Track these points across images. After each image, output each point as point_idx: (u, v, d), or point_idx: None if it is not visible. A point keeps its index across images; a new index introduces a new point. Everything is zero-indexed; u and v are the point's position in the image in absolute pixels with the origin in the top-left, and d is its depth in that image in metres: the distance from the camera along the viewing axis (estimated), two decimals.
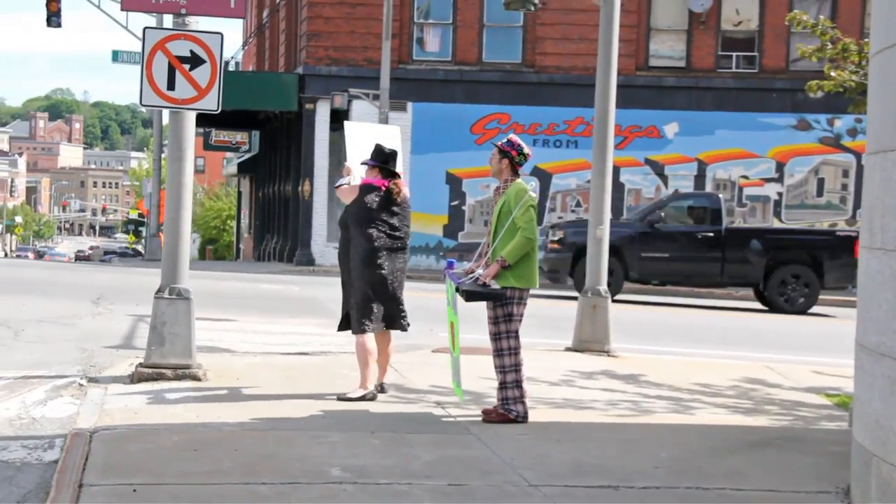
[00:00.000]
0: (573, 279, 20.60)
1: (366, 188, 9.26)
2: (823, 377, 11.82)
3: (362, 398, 9.00)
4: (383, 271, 9.13)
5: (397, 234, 9.23)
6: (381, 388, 9.39)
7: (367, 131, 10.46)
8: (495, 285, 8.32)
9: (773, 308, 21.69)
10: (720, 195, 23.39)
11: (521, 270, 8.29)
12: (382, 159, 9.29)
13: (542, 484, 6.56)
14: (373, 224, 9.14)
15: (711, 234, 21.78)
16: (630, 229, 21.96)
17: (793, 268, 21.52)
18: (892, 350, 5.75)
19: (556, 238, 21.97)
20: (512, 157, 8.43)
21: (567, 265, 21.01)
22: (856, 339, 6.39)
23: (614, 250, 18.88)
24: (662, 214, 22.14)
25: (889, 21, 6.08)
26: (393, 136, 10.47)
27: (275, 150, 38.44)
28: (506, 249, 8.21)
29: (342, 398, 9.03)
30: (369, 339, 9.14)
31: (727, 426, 8.74)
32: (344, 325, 9.67)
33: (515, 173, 8.47)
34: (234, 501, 5.98)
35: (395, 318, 9.32)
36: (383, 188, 9.22)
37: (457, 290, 8.51)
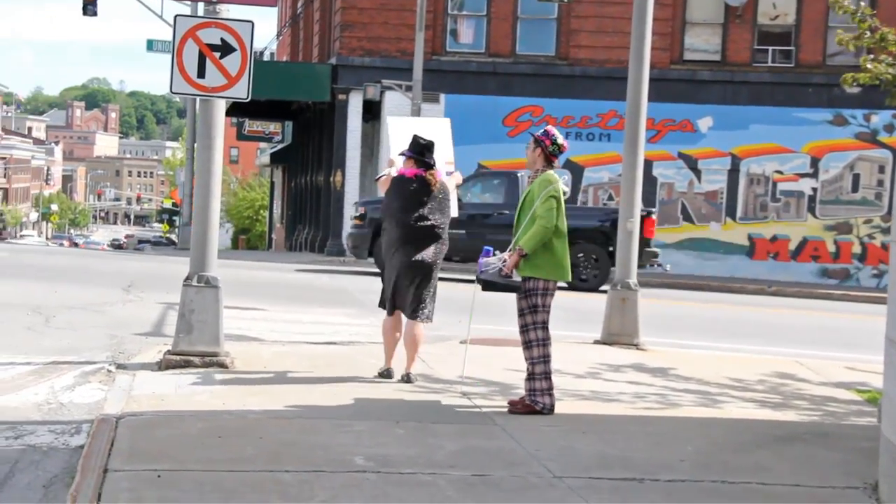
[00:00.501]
0: (372, 255, 20.87)
1: (396, 179, 9.44)
2: (856, 373, 11.71)
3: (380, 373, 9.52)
4: (405, 259, 9.29)
5: (426, 223, 9.30)
6: (407, 378, 9.42)
7: (411, 125, 10.44)
8: (517, 276, 8.31)
9: (569, 285, 21.80)
10: (520, 173, 23.43)
11: (542, 261, 8.26)
12: (418, 150, 9.40)
13: (567, 476, 6.53)
14: (399, 214, 9.31)
15: (508, 213, 21.75)
16: None
17: (584, 246, 21.58)
18: None
19: (357, 215, 22.73)
20: (545, 147, 8.39)
21: (367, 241, 21.30)
22: (885, 334, 6.32)
23: None
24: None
25: None
26: (442, 128, 10.57)
27: (307, 140, 38.52)
28: (524, 239, 8.21)
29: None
30: (386, 323, 9.58)
31: (755, 420, 8.67)
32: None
33: (549, 164, 8.43)
34: (257, 489, 5.99)
35: (406, 306, 9.39)
36: (414, 178, 9.32)
37: (476, 279, 8.57)
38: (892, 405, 6.12)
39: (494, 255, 8.52)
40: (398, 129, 10.35)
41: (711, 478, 6.67)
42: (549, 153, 8.41)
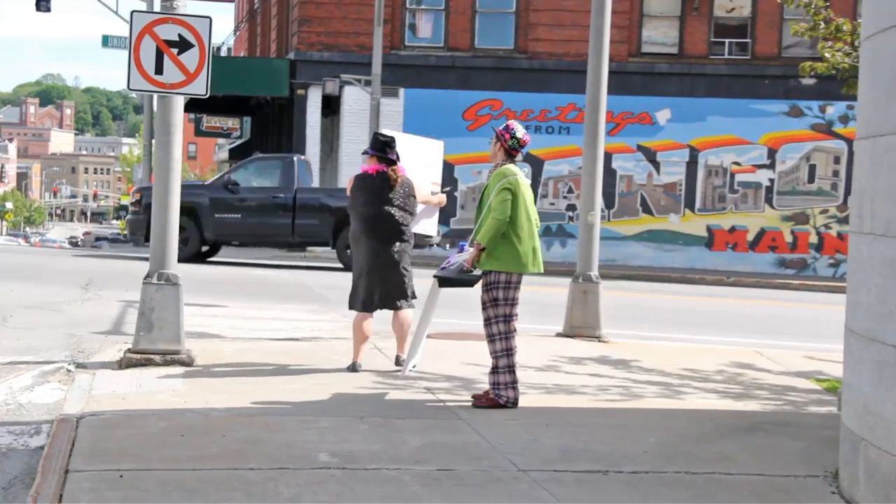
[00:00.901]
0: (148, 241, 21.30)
1: (360, 176, 9.74)
2: (814, 362, 11.83)
3: (349, 368, 9.69)
4: (369, 254, 9.59)
5: (389, 217, 9.55)
6: (397, 361, 9.88)
7: (405, 140, 10.57)
8: (478, 271, 8.38)
9: (346, 266, 22.38)
10: (297, 157, 23.89)
11: (501, 253, 8.26)
12: (379, 147, 9.67)
13: (531, 469, 6.55)
14: (361, 208, 9.60)
15: (283, 196, 22.85)
16: (207, 191, 23.12)
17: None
18: (881, 335, 5.74)
19: (134, 200, 23.49)
20: (504, 141, 8.41)
21: (143, 227, 21.48)
22: (845, 324, 6.38)
23: (189, 212, 20.67)
24: (233, 177, 23.21)
25: (880, 5, 6.05)
26: (434, 150, 10.81)
27: (266, 135, 38.34)
28: (480, 233, 8.25)
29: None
30: (356, 319, 9.78)
31: (717, 411, 8.73)
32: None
33: (509, 158, 8.44)
34: (222, 487, 5.95)
35: (387, 298, 9.69)
36: (376, 174, 9.58)
37: (434, 276, 8.82)
38: (852, 394, 6.18)
39: (467, 251, 8.60)
40: (398, 143, 10.28)
41: (675, 469, 6.71)
42: (509, 147, 8.42)
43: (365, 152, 9.85)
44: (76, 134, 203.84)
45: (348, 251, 21.89)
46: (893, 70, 5.82)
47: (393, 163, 9.58)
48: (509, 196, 8.22)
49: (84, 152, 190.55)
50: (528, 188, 8.46)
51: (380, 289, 9.62)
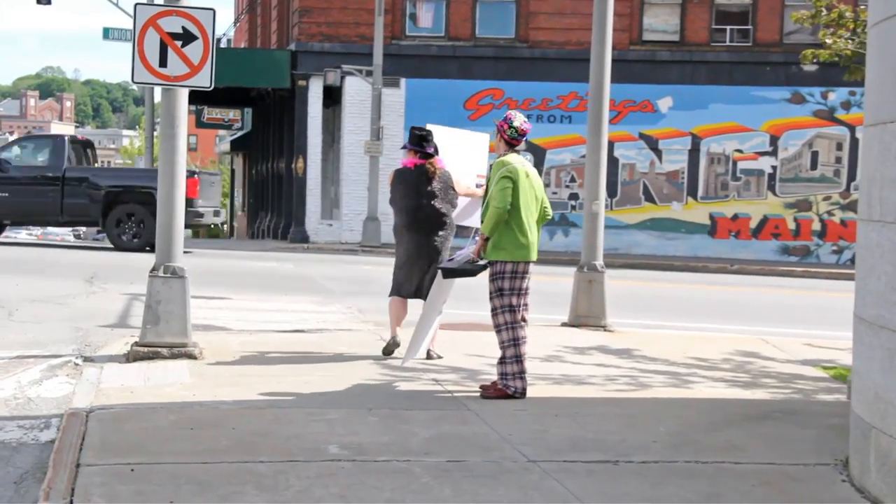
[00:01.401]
0: None
1: (399, 171, 10.05)
2: (816, 349, 11.82)
3: (387, 345, 10.02)
4: (410, 246, 9.87)
5: (429, 210, 9.79)
6: (428, 355, 9.88)
7: (450, 134, 10.64)
8: (483, 261, 8.45)
9: (116, 246, 23.18)
10: (67, 137, 24.27)
11: (505, 242, 8.27)
12: (416, 142, 9.93)
13: (541, 459, 6.55)
14: (401, 202, 9.90)
15: (52, 175, 23.23)
16: None
17: (129, 207, 23.04)
18: (891, 322, 5.73)
19: None
20: (504, 132, 8.41)
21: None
22: (854, 311, 6.37)
23: None
24: (3, 156, 23.53)
25: None
26: (480, 143, 10.72)
27: (268, 127, 38.31)
28: (483, 224, 8.36)
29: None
30: (392, 300, 10.06)
31: (725, 399, 8.73)
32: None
33: (511, 148, 8.44)
34: (233, 480, 5.95)
35: (425, 289, 9.82)
36: (414, 168, 9.85)
37: (439, 267, 9.04)
38: (862, 382, 6.18)
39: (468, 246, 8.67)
40: (440, 136, 10.34)
41: (685, 458, 6.70)
42: (509, 137, 8.42)
43: (403, 147, 10.13)
44: (76, 126, 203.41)
45: (124, 236, 22.90)
46: None
47: (430, 156, 9.81)
48: (509, 184, 8.22)
49: None
50: (534, 177, 8.45)
51: (418, 279, 9.88)
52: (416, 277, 9.89)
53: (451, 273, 8.94)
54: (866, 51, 6.75)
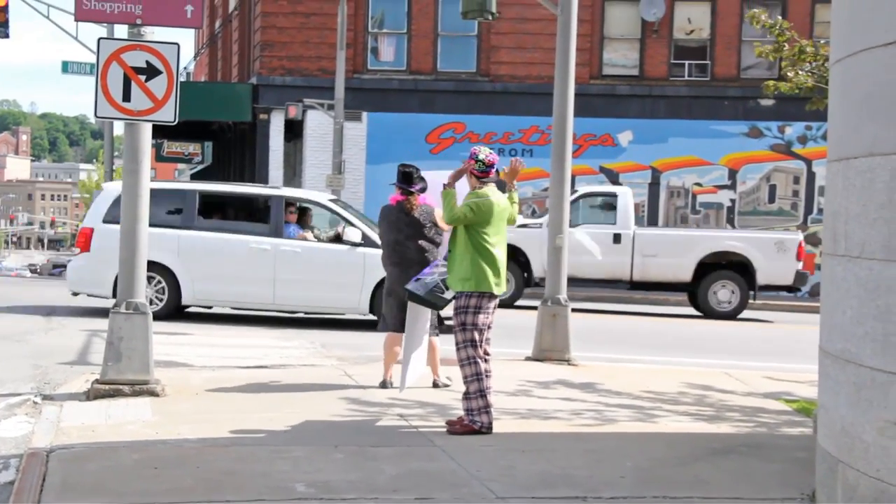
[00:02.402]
0: None
1: (383, 208, 10.38)
2: (776, 382, 11.88)
3: (380, 385, 10.29)
4: (391, 279, 10.18)
5: (405, 245, 10.03)
6: (434, 384, 10.31)
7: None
8: (450, 294, 8.43)
9: None
10: None
11: (469, 274, 8.24)
12: (399, 179, 10.21)
13: (510, 496, 6.51)
14: (384, 237, 10.28)
15: None
16: None
17: None
18: (857, 356, 5.76)
19: None
20: (472, 167, 8.44)
21: None
22: (819, 345, 6.40)
23: None
24: None
25: (850, 29, 6.10)
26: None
27: (228, 160, 38.18)
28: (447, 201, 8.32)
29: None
30: (387, 337, 10.31)
31: (691, 434, 8.74)
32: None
33: (481, 182, 8.46)
34: None
35: (402, 322, 9.87)
36: (396, 205, 10.16)
37: (404, 288, 9.10)
38: (828, 416, 6.20)
39: (433, 268, 8.65)
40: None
41: (653, 493, 6.69)
42: (478, 171, 8.46)
43: (392, 184, 10.43)
44: (32, 160, 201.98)
45: None
46: (864, 93, 5.87)
47: (411, 193, 10.07)
48: (471, 209, 8.22)
49: (41, 179, 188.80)
50: (505, 210, 8.47)
51: (398, 311, 10.03)
52: (395, 310, 10.10)
53: (415, 298, 8.96)
54: (829, 86, 6.82)
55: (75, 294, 16.12)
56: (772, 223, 30.53)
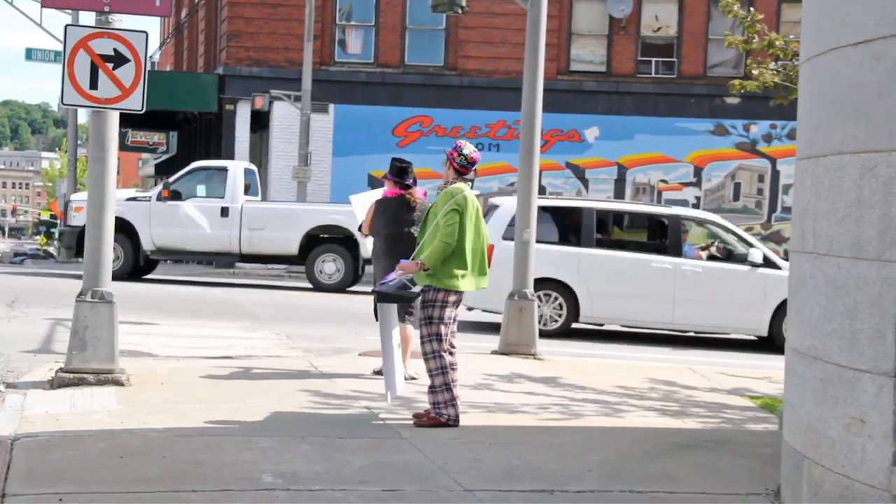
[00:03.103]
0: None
1: (380, 200, 10.47)
2: (736, 378, 11.95)
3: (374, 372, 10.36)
4: (388, 270, 9.89)
5: (406, 238, 10.09)
6: (377, 371, 10.12)
7: (369, 196, 11.49)
8: (417, 287, 8.38)
9: None
10: None
11: (437, 271, 8.22)
12: (396, 172, 10.33)
13: (477, 489, 6.52)
14: (382, 230, 10.31)
15: None
16: None
17: None
18: (824, 353, 5.81)
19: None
20: (454, 160, 8.41)
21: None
22: (787, 342, 6.45)
23: None
24: None
25: (820, 28, 6.15)
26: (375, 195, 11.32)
27: (193, 151, 37.94)
28: (425, 254, 8.21)
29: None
30: (405, 328, 10.13)
31: (656, 429, 8.79)
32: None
33: (460, 176, 8.43)
34: None
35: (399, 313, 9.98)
36: (396, 197, 10.28)
37: (372, 291, 8.91)
38: (794, 412, 6.25)
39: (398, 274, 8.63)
40: (359, 200, 11.38)
41: (619, 487, 6.72)
42: (459, 165, 8.42)
43: (384, 177, 10.54)
44: None
45: None
46: (834, 92, 5.92)
47: (409, 187, 10.28)
48: (456, 219, 8.19)
49: (2, 166, 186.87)
50: (478, 207, 8.46)
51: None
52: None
53: (385, 298, 8.82)
54: (798, 85, 6.87)
55: (470, 309, 15.62)
56: (736, 221, 30.67)
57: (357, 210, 11.27)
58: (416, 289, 8.49)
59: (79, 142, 40.07)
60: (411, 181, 10.37)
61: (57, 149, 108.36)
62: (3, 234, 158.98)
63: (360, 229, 11.02)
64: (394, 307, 8.83)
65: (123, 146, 47.84)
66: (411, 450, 7.49)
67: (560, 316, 15.86)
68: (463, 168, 8.40)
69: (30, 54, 36.47)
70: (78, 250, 21.64)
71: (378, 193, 11.16)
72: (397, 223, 10.26)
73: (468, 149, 8.44)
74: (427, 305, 8.30)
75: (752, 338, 16.35)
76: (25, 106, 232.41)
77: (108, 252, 9.68)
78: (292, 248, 22.35)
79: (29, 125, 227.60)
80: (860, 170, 5.60)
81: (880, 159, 5.47)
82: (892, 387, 5.34)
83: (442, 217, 8.19)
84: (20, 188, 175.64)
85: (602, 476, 6.98)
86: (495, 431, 8.27)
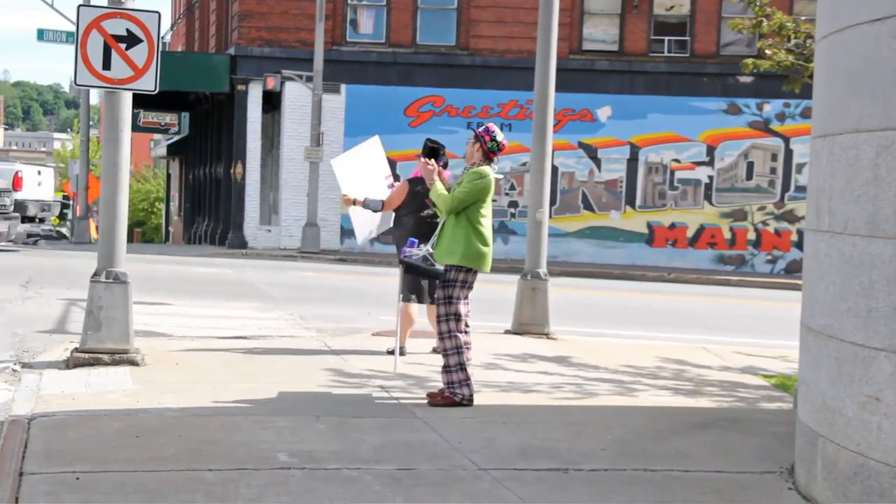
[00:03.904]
0: None
1: (413, 181, 10.57)
2: (746, 357, 11.95)
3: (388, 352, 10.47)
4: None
5: (429, 217, 10.29)
6: (434, 350, 10.41)
7: (351, 160, 11.23)
8: (439, 266, 8.41)
9: None
10: None
11: (463, 250, 8.26)
12: (427, 153, 10.06)
13: (491, 467, 6.54)
14: (408, 209, 10.50)
15: None
16: None
17: None
18: (840, 332, 5.80)
19: None
20: (484, 143, 8.43)
21: None
22: (801, 321, 6.44)
23: None
24: None
25: (836, 6, 6.11)
26: (374, 148, 11.34)
27: (205, 131, 37.97)
28: (437, 194, 8.37)
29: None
30: (402, 305, 10.30)
31: (670, 408, 8.79)
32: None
33: (486, 160, 8.46)
34: (182, 488, 5.87)
35: (426, 293, 10.44)
36: (419, 178, 10.29)
37: (399, 261, 8.95)
38: (809, 391, 6.25)
39: (419, 247, 8.65)
40: (343, 167, 11.16)
41: (633, 466, 6.73)
42: (488, 149, 8.45)
43: (417, 157, 10.48)
44: (6, 128, 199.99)
45: None
46: (850, 70, 5.89)
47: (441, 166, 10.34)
48: (477, 190, 8.22)
49: (14, 147, 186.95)
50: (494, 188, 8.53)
51: (420, 284, 10.35)
52: (418, 282, 10.35)
53: (413, 269, 8.90)
54: (814, 63, 6.84)
55: None
56: (749, 200, 30.65)
57: (341, 177, 10.98)
58: (440, 267, 8.50)
59: (91, 122, 40.09)
60: (442, 164, 10.26)
61: (69, 130, 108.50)
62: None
63: (366, 204, 10.72)
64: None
65: (135, 127, 47.84)
66: (426, 429, 7.50)
67: None
68: (492, 153, 8.46)
69: (42, 35, 36.47)
70: None
71: (359, 151, 11.12)
72: (422, 203, 10.34)
73: (500, 136, 8.49)
74: (448, 285, 8.32)
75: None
76: (37, 87, 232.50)
77: (123, 232, 9.72)
78: None
79: (41, 106, 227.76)
80: (877, 148, 5.57)
81: None
82: None
83: (466, 182, 8.24)
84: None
85: (616, 455, 6.99)
86: (509, 410, 8.28)
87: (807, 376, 6.33)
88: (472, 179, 8.30)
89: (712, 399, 9.28)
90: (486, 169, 8.38)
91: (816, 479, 6.04)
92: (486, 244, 8.34)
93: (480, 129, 8.52)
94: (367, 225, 11.09)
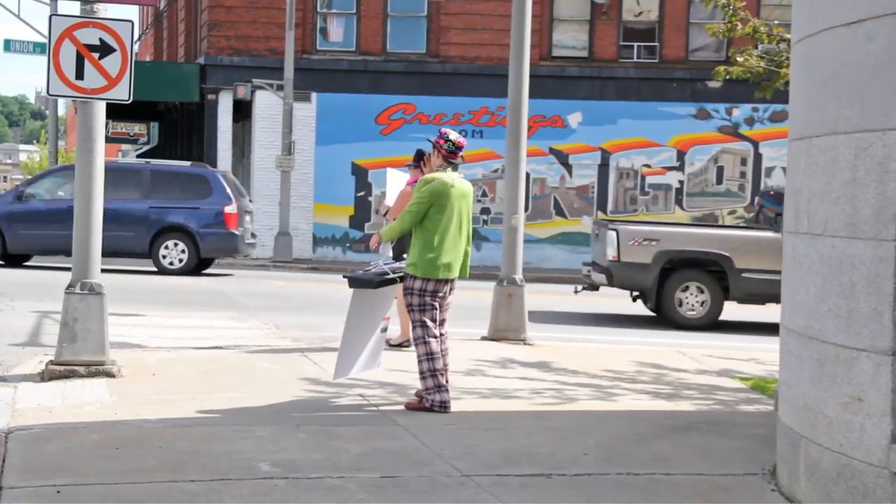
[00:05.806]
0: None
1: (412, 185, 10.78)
2: (723, 360, 11.99)
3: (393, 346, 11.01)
4: None
5: None
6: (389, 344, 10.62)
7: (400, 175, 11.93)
8: (399, 274, 8.47)
9: None
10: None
11: (416, 259, 8.23)
12: (418, 160, 10.51)
13: (475, 474, 6.53)
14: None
15: None
16: None
17: None
18: (820, 333, 5.83)
19: None
20: (441, 147, 8.42)
21: None
22: (781, 322, 6.48)
23: None
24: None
25: (812, 8, 6.16)
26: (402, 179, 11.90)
27: (175, 141, 37.80)
28: (386, 228, 8.59)
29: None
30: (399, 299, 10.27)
31: (650, 411, 8.81)
32: None
33: (448, 163, 8.44)
34: (164, 500, 5.83)
35: None
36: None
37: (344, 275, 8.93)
38: (790, 392, 6.27)
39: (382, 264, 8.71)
40: (395, 177, 11.84)
41: (616, 470, 6.74)
42: (447, 151, 8.43)
43: (408, 165, 11.01)
44: None
45: None
46: (827, 72, 5.93)
47: None
48: (423, 208, 8.17)
49: None
50: (465, 195, 8.40)
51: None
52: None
53: (354, 282, 8.57)
54: (790, 66, 6.88)
55: None
56: (719, 204, 30.81)
57: (389, 186, 11.55)
58: (397, 275, 8.45)
59: (59, 133, 39.83)
60: None
61: (35, 141, 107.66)
62: None
63: (378, 212, 11.35)
64: (371, 292, 8.59)
65: (105, 138, 47.61)
66: (407, 436, 7.48)
67: None
68: (451, 154, 8.42)
69: (8, 45, 36.23)
70: None
71: (399, 175, 11.48)
72: None
73: (454, 135, 8.48)
74: (406, 293, 8.33)
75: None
76: (2, 98, 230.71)
77: (97, 243, 9.64)
78: None
79: (6, 118, 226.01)
80: (855, 150, 5.61)
81: (875, 139, 5.49)
82: (889, 365, 5.36)
83: (415, 195, 8.27)
84: None
85: (598, 459, 6.99)
86: (490, 417, 8.28)
87: (788, 378, 6.35)
88: (418, 188, 8.33)
89: (692, 402, 9.31)
90: (432, 175, 8.35)
91: (799, 481, 6.07)
92: (433, 252, 8.15)
93: (435, 137, 8.55)
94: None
